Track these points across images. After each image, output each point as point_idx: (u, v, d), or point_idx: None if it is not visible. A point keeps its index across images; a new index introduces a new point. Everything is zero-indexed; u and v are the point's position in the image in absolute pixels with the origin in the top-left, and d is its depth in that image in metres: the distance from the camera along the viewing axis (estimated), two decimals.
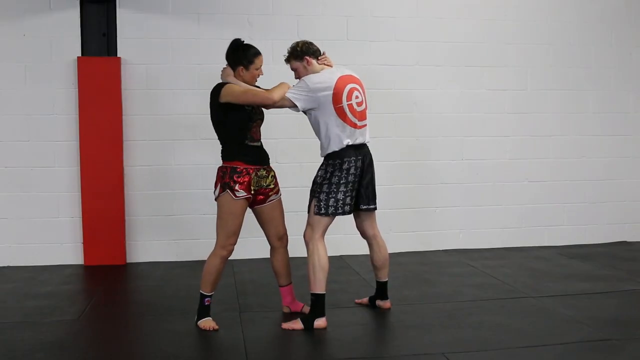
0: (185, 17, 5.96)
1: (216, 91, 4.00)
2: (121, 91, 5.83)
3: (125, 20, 5.85)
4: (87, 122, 5.77)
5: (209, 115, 5.90)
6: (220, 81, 4.08)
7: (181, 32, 5.95)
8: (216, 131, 4.11)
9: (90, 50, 5.82)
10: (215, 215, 3.88)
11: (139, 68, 5.89)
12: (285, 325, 4.01)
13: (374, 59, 6.23)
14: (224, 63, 5.93)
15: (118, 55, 5.85)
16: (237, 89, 3.94)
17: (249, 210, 4.17)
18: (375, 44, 6.24)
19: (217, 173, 4.07)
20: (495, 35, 6.46)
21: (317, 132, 4.13)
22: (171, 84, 5.95)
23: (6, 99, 5.77)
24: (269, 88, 4.01)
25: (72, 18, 5.78)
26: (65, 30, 5.77)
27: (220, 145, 4.11)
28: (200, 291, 4.09)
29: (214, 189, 4.08)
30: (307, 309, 4.20)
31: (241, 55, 4.04)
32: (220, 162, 4.08)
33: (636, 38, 6.75)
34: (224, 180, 4.00)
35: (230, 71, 4.08)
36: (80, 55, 5.80)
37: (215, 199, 4.06)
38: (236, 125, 4.02)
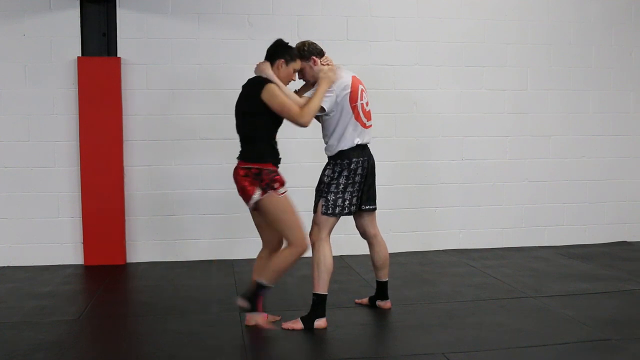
0: (185, 17, 5.96)
1: (259, 85, 3.88)
2: (121, 91, 5.83)
3: (125, 20, 5.86)
4: (87, 122, 5.77)
5: (209, 115, 5.97)
6: (255, 75, 4.01)
7: (181, 32, 5.95)
8: (244, 126, 3.96)
9: (90, 50, 5.82)
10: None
11: (139, 68, 5.89)
12: (286, 325, 4.01)
13: (374, 59, 6.23)
14: (224, 63, 6.01)
15: (118, 55, 5.85)
16: (279, 96, 3.84)
17: (245, 208, 4.13)
18: (375, 44, 6.24)
19: (247, 174, 3.87)
20: (495, 35, 6.46)
21: (330, 131, 4.13)
22: (171, 84, 5.95)
23: (6, 99, 5.77)
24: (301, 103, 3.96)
25: (72, 18, 5.78)
26: (65, 30, 5.77)
27: (244, 142, 3.96)
28: (261, 282, 3.88)
29: (248, 192, 3.85)
30: (272, 319, 4.14)
31: (286, 51, 4.02)
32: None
33: (636, 38, 6.75)
34: (264, 183, 3.84)
35: (267, 65, 3.98)
36: (80, 55, 5.80)
37: (255, 203, 3.86)
38: (270, 124, 3.94)
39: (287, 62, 4.00)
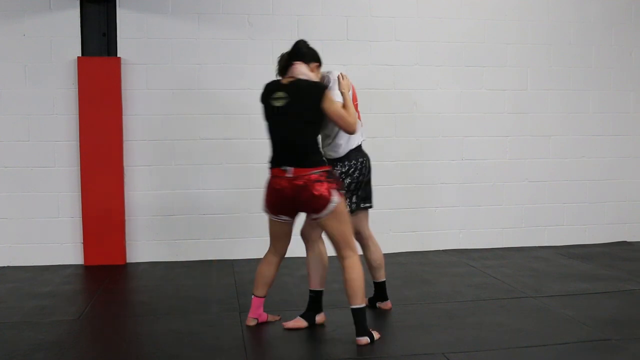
0: (185, 17, 5.96)
1: (319, 92, 3.75)
2: (121, 91, 5.83)
3: (125, 20, 5.85)
4: (87, 122, 5.77)
5: (209, 115, 5.96)
6: (297, 76, 3.82)
7: (181, 32, 5.95)
8: (304, 132, 3.76)
9: (90, 50, 5.82)
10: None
11: (139, 68, 5.89)
12: (287, 325, 4.00)
13: (374, 59, 6.22)
14: (223, 63, 6.01)
15: (118, 55, 5.85)
16: (336, 104, 3.79)
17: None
18: (375, 44, 6.24)
19: (319, 179, 3.69)
20: (495, 35, 6.46)
21: (335, 132, 4.09)
22: (171, 84, 5.95)
23: (6, 99, 5.77)
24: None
25: (72, 18, 5.78)
26: (65, 30, 5.77)
27: (305, 149, 3.76)
28: (362, 305, 3.78)
29: (327, 196, 3.67)
30: (272, 318, 4.15)
31: (317, 55, 3.97)
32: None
33: (636, 38, 6.75)
34: (338, 184, 3.77)
35: (306, 67, 3.86)
36: (80, 55, 5.80)
37: (334, 207, 3.70)
38: (322, 128, 3.89)
39: (318, 67, 3.97)
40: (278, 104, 3.77)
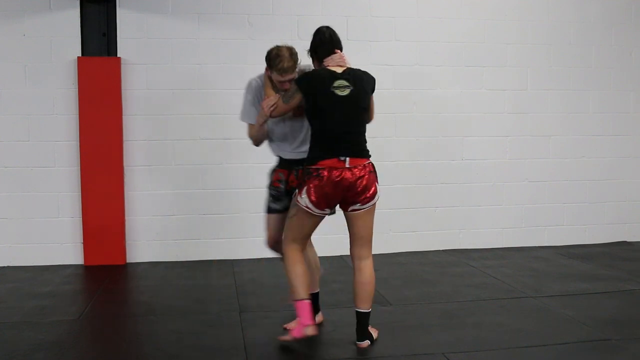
0: (185, 17, 5.96)
1: (374, 81, 3.76)
2: (121, 91, 5.83)
3: (125, 20, 5.85)
4: (87, 122, 5.77)
5: (209, 115, 5.97)
6: (349, 66, 3.69)
7: (181, 32, 5.95)
8: (362, 122, 3.73)
9: (90, 50, 5.82)
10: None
11: (139, 68, 5.89)
12: (289, 326, 3.92)
13: (374, 59, 6.22)
14: (223, 63, 6.01)
15: (118, 55, 5.85)
16: None
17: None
18: (375, 44, 6.24)
19: (372, 171, 3.68)
20: (495, 35, 6.46)
21: (307, 134, 4.05)
22: (171, 84, 5.95)
23: (6, 99, 5.77)
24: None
25: (72, 18, 5.78)
26: (65, 30, 5.77)
27: (359, 138, 3.71)
28: (369, 310, 3.75)
29: (376, 188, 3.69)
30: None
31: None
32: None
33: (636, 38, 6.75)
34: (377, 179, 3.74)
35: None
36: (80, 55, 5.80)
37: (377, 200, 3.71)
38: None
39: None
40: (344, 93, 3.61)
